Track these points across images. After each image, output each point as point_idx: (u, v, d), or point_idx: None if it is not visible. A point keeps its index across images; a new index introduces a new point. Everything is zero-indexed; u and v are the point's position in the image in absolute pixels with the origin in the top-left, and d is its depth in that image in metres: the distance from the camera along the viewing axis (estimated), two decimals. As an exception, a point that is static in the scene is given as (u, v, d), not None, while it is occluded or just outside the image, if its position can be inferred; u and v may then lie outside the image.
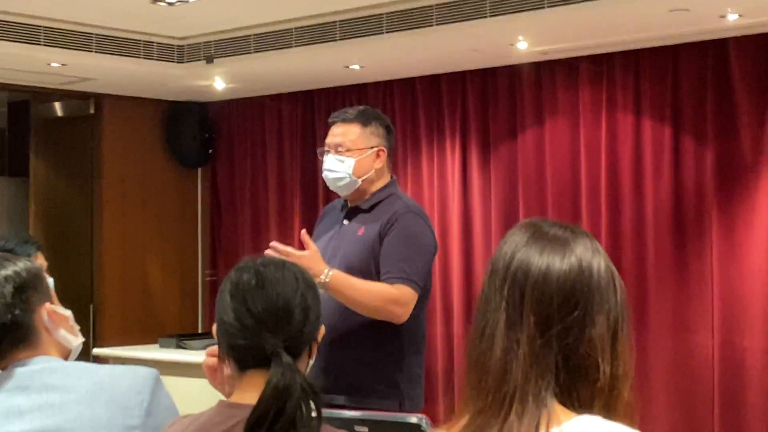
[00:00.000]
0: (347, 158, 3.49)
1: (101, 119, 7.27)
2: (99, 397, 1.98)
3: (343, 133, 3.54)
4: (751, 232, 5.35)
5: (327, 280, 3.26)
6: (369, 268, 3.40)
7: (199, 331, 7.55)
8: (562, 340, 1.49)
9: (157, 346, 6.07)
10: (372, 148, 3.53)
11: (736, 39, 5.35)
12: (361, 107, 3.64)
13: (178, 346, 5.91)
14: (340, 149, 3.52)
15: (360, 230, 3.48)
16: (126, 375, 2.04)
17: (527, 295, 1.51)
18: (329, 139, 3.58)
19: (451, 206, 6.40)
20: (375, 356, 3.40)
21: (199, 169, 7.79)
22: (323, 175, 3.58)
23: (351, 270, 3.41)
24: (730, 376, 5.37)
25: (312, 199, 7.10)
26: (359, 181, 3.52)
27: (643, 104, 5.72)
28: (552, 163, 6.01)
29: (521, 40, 5.50)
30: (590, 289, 1.53)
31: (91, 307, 7.12)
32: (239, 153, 7.55)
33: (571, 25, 5.19)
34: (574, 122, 5.94)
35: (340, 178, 3.51)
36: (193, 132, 7.51)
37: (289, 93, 7.18)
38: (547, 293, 1.51)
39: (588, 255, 1.55)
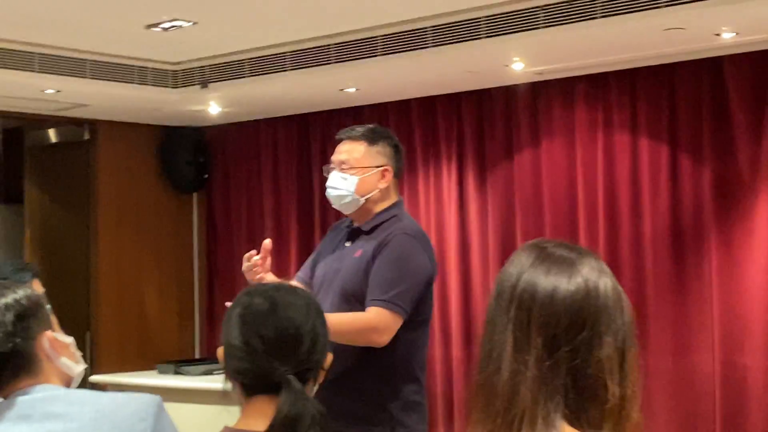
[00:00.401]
0: (351, 176, 3.44)
1: (96, 145, 7.25)
2: (102, 425, 1.95)
3: (348, 150, 3.49)
4: (750, 250, 5.34)
5: None
6: (362, 292, 3.34)
7: (197, 356, 7.52)
8: (570, 361, 1.48)
9: (155, 372, 6.04)
10: (378, 167, 3.47)
11: (731, 57, 5.36)
12: (371, 125, 3.58)
13: (177, 372, 5.88)
14: (344, 166, 3.47)
15: (358, 252, 3.42)
16: (129, 402, 2.02)
17: (534, 317, 1.51)
18: (335, 156, 3.53)
19: (448, 228, 6.38)
20: (366, 382, 3.32)
21: (195, 194, 7.77)
22: (326, 193, 3.54)
23: (345, 294, 3.36)
24: (732, 395, 5.35)
25: (308, 223, 7.08)
26: (362, 200, 3.45)
27: (640, 123, 5.72)
28: (549, 183, 6.00)
29: (516, 61, 5.50)
30: (597, 309, 1.52)
31: (88, 334, 7.08)
32: (235, 177, 7.54)
33: (566, 45, 5.19)
34: (571, 142, 5.94)
35: (343, 196, 3.46)
36: (188, 157, 7.50)
37: (285, 117, 7.17)
38: (555, 314, 1.50)
39: (594, 275, 1.55)
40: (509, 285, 1.54)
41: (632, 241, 5.70)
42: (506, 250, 6.14)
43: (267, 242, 3.41)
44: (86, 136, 7.29)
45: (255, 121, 7.31)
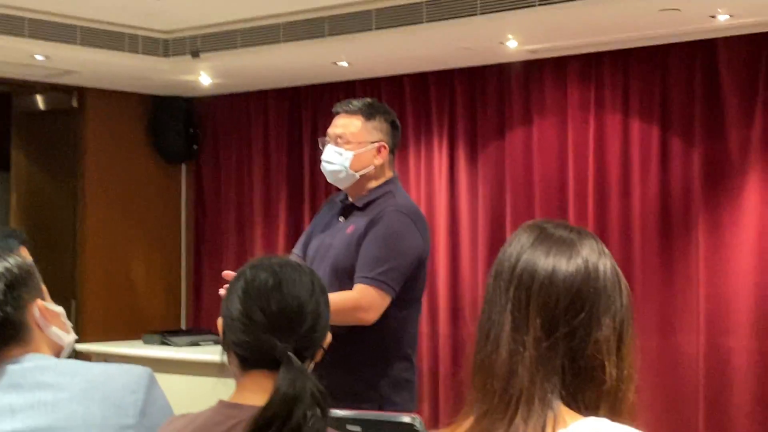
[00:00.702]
0: (346, 151, 3.41)
1: (84, 113, 7.20)
2: (92, 395, 1.94)
3: (344, 124, 3.45)
4: (738, 232, 5.35)
5: None
6: (352, 269, 3.31)
7: (182, 327, 7.51)
8: (568, 342, 1.48)
9: (140, 342, 6.03)
10: (373, 143, 3.44)
11: (725, 39, 5.35)
12: (368, 100, 3.53)
13: (163, 343, 5.87)
14: (339, 141, 3.43)
15: (350, 228, 3.39)
16: (120, 374, 2.00)
17: (533, 297, 1.50)
18: (331, 129, 3.49)
19: (438, 205, 6.37)
20: (355, 359, 3.29)
21: (183, 165, 7.73)
22: (321, 166, 3.50)
23: (336, 270, 3.33)
24: (716, 376, 5.37)
25: (298, 196, 7.06)
26: (357, 175, 3.42)
27: (632, 104, 5.71)
28: (540, 162, 6.00)
29: (511, 39, 5.48)
30: (596, 291, 1.51)
31: (74, 302, 7.05)
32: (224, 149, 7.50)
33: (561, 24, 5.17)
34: (562, 121, 5.93)
35: (337, 171, 3.43)
36: (178, 127, 7.45)
37: (276, 89, 7.14)
38: (554, 295, 1.50)
39: (594, 257, 1.54)
40: (508, 265, 1.53)
41: (621, 221, 5.71)
42: (495, 227, 6.15)
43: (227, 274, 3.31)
44: (75, 104, 7.23)
45: (246, 93, 7.27)
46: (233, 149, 7.45)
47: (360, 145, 3.42)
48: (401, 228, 3.34)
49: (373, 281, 3.24)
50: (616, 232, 5.71)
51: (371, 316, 3.24)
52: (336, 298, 3.17)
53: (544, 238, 1.55)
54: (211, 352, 5.63)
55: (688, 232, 5.52)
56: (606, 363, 1.49)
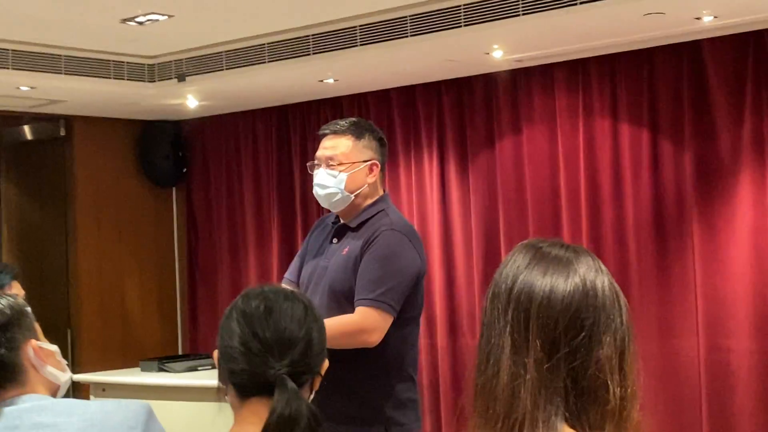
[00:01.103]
0: (340, 173, 3.36)
1: (72, 141, 7.18)
2: (90, 434, 1.91)
3: (334, 146, 3.39)
4: (732, 233, 5.34)
5: None
6: (351, 290, 3.28)
7: (179, 353, 7.47)
8: (569, 362, 1.46)
9: (138, 369, 5.99)
10: (365, 162, 3.39)
11: (711, 40, 5.35)
12: (353, 119, 3.48)
13: (160, 369, 5.82)
14: (331, 163, 3.37)
15: (345, 250, 3.35)
16: (117, 410, 1.98)
17: (532, 319, 1.48)
18: (320, 152, 3.42)
19: (431, 218, 6.36)
20: (358, 381, 3.26)
21: (174, 189, 7.71)
22: (314, 191, 3.44)
23: (334, 293, 3.30)
24: (717, 378, 5.35)
25: (290, 216, 7.04)
26: (352, 196, 3.37)
27: (620, 109, 5.70)
28: (530, 170, 5.98)
29: (496, 49, 5.47)
30: (596, 309, 1.50)
31: (69, 332, 7.02)
32: (214, 171, 7.48)
33: (545, 32, 5.16)
34: (552, 129, 5.92)
35: (333, 194, 3.37)
36: (167, 151, 7.44)
37: (263, 109, 7.13)
38: (553, 316, 1.48)
39: (591, 274, 1.53)
40: (505, 287, 1.52)
41: (615, 226, 5.70)
42: (489, 237, 6.13)
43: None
44: (62, 133, 7.21)
45: (233, 113, 7.26)
46: (223, 171, 7.44)
47: (353, 165, 3.37)
48: (397, 247, 3.30)
49: (374, 302, 3.21)
50: (611, 237, 5.70)
51: (375, 338, 3.22)
52: (338, 322, 3.15)
53: (540, 258, 1.54)
54: (210, 377, 5.59)
55: (683, 235, 5.51)
56: (609, 382, 1.47)
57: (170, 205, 7.70)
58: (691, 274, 5.47)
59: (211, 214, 7.53)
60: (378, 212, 3.39)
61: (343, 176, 3.36)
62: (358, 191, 3.39)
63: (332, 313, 3.24)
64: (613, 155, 5.73)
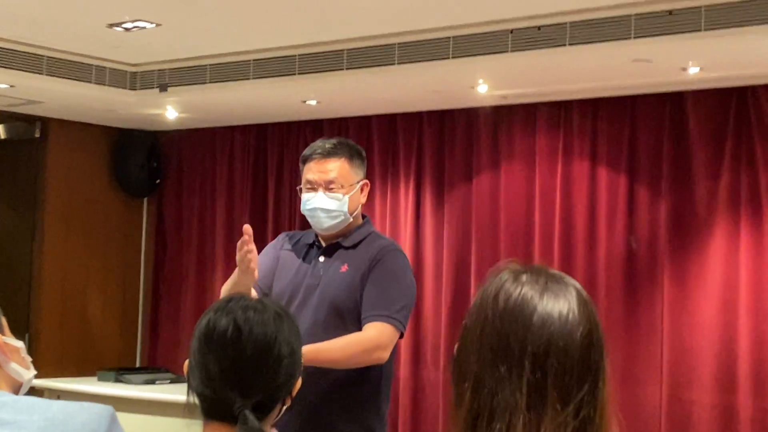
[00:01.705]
0: (342, 196, 3.33)
1: (47, 143, 7.10)
2: (51, 435, 1.85)
3: (333, 168, 3.35)
4: (703, 285, 5.35)
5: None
6: (356, 307, 3.27)
7: (137, 365, 7.37)
8: (580, 411, 1.39)
9: (95, 379, 5.90)
10: (358, 182, 3.39)
11: (694, 93, 5.38)
12: (336, 140, 3.44)
13: (117, 380, 5.75)
14: (332, 186, 3.33)
15: (343, 267, 3.33)
16: (80, 412, 1.91)
17: (551, 370, 1.39)
18: (317, 176, 3.35)
19: (403, 247, 6.28)
20: (353, 402, 3.26)
21: (145, 200, 7.64)
22: (312, 214, 3.34)
23: (337, 310, 3.28)
24: (677, 430, 5.34)
25: (261, 236, 6.97)
26: (351, 218, 3.37)
27: (600, 153, 5.72)
28: (506, 207, 5.98)
29: (482, 83, 5.47)
30: (599, 351, 1.44)
31: (27, 335, 6.91)
32: (187, 185, 7.42)
33: (533, 70, 5.17)
34: (530, 168, 5.92)
35: (336, 217, 3.33)
36: (141, 161, 7.37)
37: (242, 126, 7.08)
38: (569, 364, 1.40)
39: (594, 317, 1.47)
40: (516, 339, 1.41)
41: (586, 270, 5.69)
42: (460, 271, 6.11)
43: (247, 227, 3.25)
44: (37, 134, 7.12)
45: (212, 128, 7.21)
46: (197, 185, 7.37)
47: (351, 187, 3.36)
48: (405, 267, 3.36)
49: (390, 319, 3.21)
50: (581, 280, 5.61)
51: (386, 354, 3.23)
52: (356, 339, 3.17)
53: (537, 307, 1.43)
54: (168, 392, 5.52)
55: (653, 283, 5.51)
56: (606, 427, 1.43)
57: (140, 216, 7.62)
58: (659, 324, 5.47)
59: (181, 228, 7.45)
60: (370, 233, 3.41)
61: (345, 199, 3.34)
62: (355, 212, 3.39)
63: (335, 331, 3.22)
64: (590, 199, 5.73)
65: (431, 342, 6.21)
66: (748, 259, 5.21)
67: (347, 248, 3.36)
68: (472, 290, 6.04)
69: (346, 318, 3.27)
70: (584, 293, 1.50)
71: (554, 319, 1.42)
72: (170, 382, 5.87)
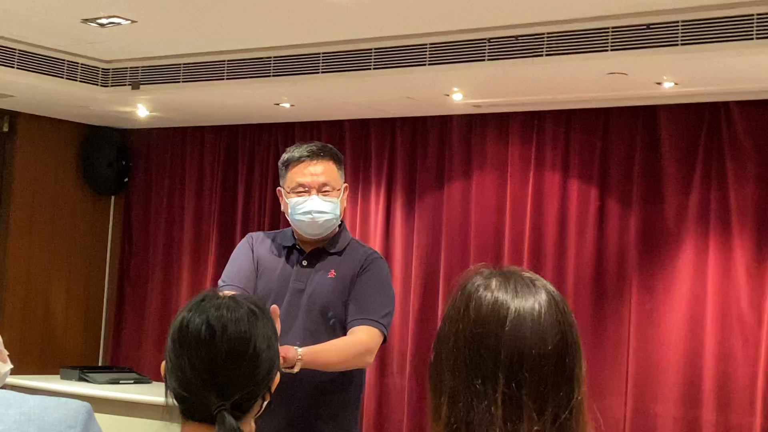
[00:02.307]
0: (335, 198, 3.32)
1: (14, 138, 7.02)
2: (27, 429, 1.83)
3: (325, 171, 3.32)
4: (670, 299, 5.38)
5: (300, 358, 3.04)
6: (345, 312, 3.28)
7: (99, 364, 7.30)
8: (557, 418, 1.38)
9: (57, 377, 5.84)
10: (343, 186, 3.40)
11: (667, 107, 5.42)
12: (318, 143, 3.42)
13: (81, 379, 5.69)
14: (326, 189, 3.30)
15: (330, 273, 3.32)
16: (57, 407, 1.90)
17: (525, 380, 1.37)
18: (310, 179, 3.30)
19: (372, 253, 6.31)
20: (337, 405, 3.28)
21: (113, 197, 7.57)
22: (305, 218, 3.29)
23: (326, 315, 3.29)
24: (641, 442, 5.37)
25: (229, 237, 6.94)
26: (340, 220, 3.38)
27: (572, 164, 5.74)
28: (477, 216, 5.99)
29: (456, 91, 5.48)
30: (573, 355, 1.43)
31: (-12, 332, 6.81)
32: (156, 184, 7.36)
33: (508, 80, 5.18)
34: (502, 177, 5.93)
35: (329, 220, 3.30)
36: (110, 158, 7.30)
37: (213, 126, 7.05)
38: (545, 371, 1.38)
39: (567, 318, 1.46)
40: (489, 352, 1.39)
41: (554, 280, 5.69)
42: (428, 279, 6.11)
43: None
44: (5, 128, 7.04)
45: (182, 128, 7.17)
46: (165, 184, 7.32)
47: (340, 191, 3.36)
48: (389, 276, 3.41)
49: (377, 324, 3.24)
50: (550, 291, 5.69)
51: (372, 359, 3.29)
52: (347, 344, 3.20)
53: (514, 315, 1.41)
54: (132, 392, 5.47)
55: (621, 296, 5.54)
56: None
57: (107, 214, 7.56)
58: (625, 336, 5.49)
59: (148, 227, 7.40)
60: (351, 239, 3.43)
61: (337, 201, 3.33)
62: (341, 215, 3.40)
63: (325, 335, 3.22)
64: (560, 210, 5.75)
65: (398, 349, 6.20)
66: (715, 274, 5.25)
67: (332, 254, 3.35)
68: (441, 298, 6.04)
69: (336, 325, 3.29)
70: (556, 295, 1.46)
71: (526, 328, 1.39)
72: (134, 382, 5.82)
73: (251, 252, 3.43)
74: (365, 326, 3.22)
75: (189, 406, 1.77)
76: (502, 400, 1.36)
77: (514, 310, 1.41)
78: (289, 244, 3.40)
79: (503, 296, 1.42)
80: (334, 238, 3.37)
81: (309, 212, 3.28)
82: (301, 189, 3.31)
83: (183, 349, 1.77)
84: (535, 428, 1.36)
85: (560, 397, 1.38)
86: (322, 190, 3.30)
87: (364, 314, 3.24)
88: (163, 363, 1.83)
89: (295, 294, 3.30)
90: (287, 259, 3.38)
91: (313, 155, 3.33)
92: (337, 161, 3.39)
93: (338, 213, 3.33)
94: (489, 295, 1.42)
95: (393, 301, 3.35)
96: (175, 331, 1.80)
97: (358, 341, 3.21)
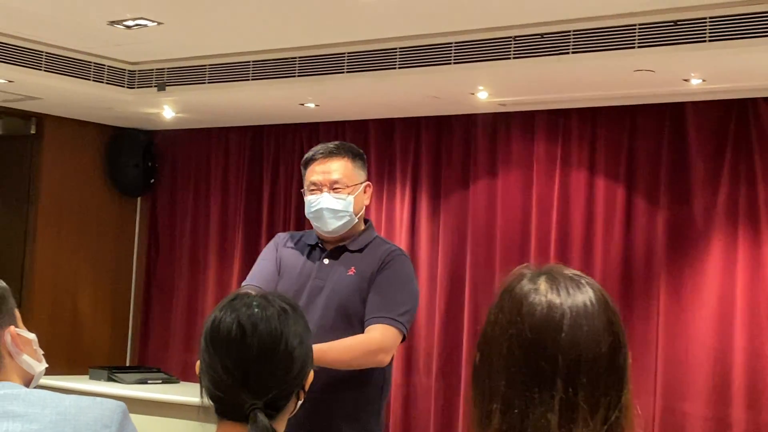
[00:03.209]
0: (347, 196, 3.31)
1: (42, 140, 7.06)
2: (63, 428, 1.83)
3: (337, 169, 3.33)
4: (698, 297, 5.35)
5: None
6: (363, 311, 3.25)
7: (127, 364, 7.34)
8: (608, 419, 1.37)
9: (86, 377, 5.86)
10: (361, 183, 3.37)
11: (694, 104, 5.38)
12: (337, 142, 3.44)
13: (110, 379, 5.72)
14: (337, 186, 3.31)
15: (350, 270, 3.31)
16: (92, 407, 1.90)
17: (581, 388, 1.35)
18: (321, 177, 3.33)
19: (398, 252, 6.30)
20: (355, 403, 3.26)
21: (139, 199, 7.60)
22: (317, 215, 3.31)
23: (345, 313, 3.27)
24: (670, 441, 5.34)
25: (255, 237, 6.96)
26: (356, 219, 3.34)
27: (598, 162, 5.71)
28: (503, 215, 5.97)
29: (482, 90, 5.47)
30: (624, 353, 1.42)
31: (17, 333, 6.85)
32: (182, 185, 7.39)
33: (534, 78, 5.17)
34: (528, 175, 5.91)
35: (342, 217, 3.30)
36: (136, 160, 7.34)
37: (239, 127, 7.06)
38: (598, 375, 1.37)
39: (616, 317, 1.43)
40: (545, 357, 1.37)
41: (582, 279, 5.67)
42: (454, 278, 6.09)
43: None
44: (32, 131, 7.09)
45: (207, 129, 7.19)
46: (191, 186, 7.35)
47: (355, 187, 3.34)
48: (411, 273, 3.36)
49: (394, 322, 3.21)
50: (577, 289, 5.67)
51: (388, 358, 3.24)
52: (360, 341, 3.17)
53: (561, 311, 1.40)
54: (160, 391, 5.49)
55: (649, 294, 5.51)
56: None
57: (134, 215, 7.59)
58: (654, 335, 5.46)
59: (174, 228, 7.42)
60: (374, 238, 3.40)
61: (351, 199, 3.32)
62: (359, 213, 3.36)
63: (341, 333, 3.21)
64: (587, 208, 5.72)
65: (424, 349, 6.19)
66: (744, 272, 5.22)
67: (353, 252, 3.34)
68: (467, 297, 6.03)
69: (354, 321, 3.27)
70: (603, 292, 1.45)
71: (582, 332, 1.38)
72: (162, 382, 5.84)
73: (275, 252, 3.45)
74: (380, 324, 3.20)
75: (223, 405, 1.77)
76: (559, 407, 1.35)
77: (568, 314, 1.39)
78: (313, 243, 3.41)
79: (555, 299, 1.40)
80: (355, 236, 3.36)
81: (319, 209, 3.31)
82: (314, 188, 3.34)
83: (215, 349, 1.78)
84: (588, 430, 1.35)
85: (611, 396, 1.37)
86: (333, 187, 3.31)
87: (380, 312, 3.21)
88: (198, 362, 1.84)
89: (315, 290, 3.30)
90: (309, 256, 3.39)
91: (327, 154, 3.35)
92: (354, 158, 3.37)
93: (350, 210, 3.30)
94: (541, 299, 1.40)
95: (414, 298, 3.31)
96: (207, 330, 1.81)
97: (371, 339, 3.19)
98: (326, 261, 3.36)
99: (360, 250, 3.34)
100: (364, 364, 3.20)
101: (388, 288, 3.25)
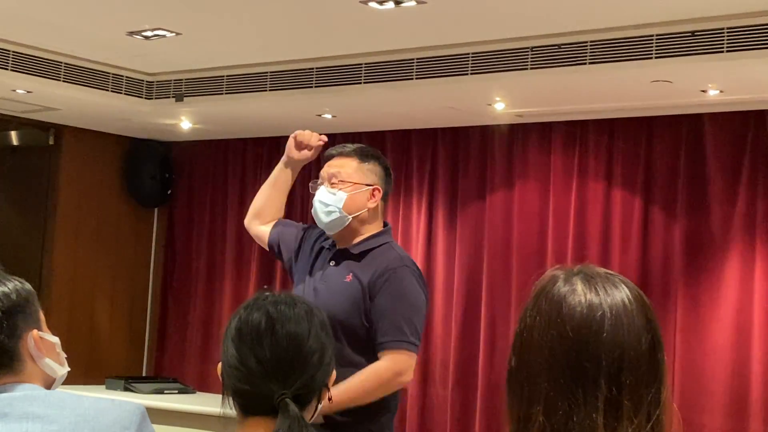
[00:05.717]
0: (339, 191, 3.26)
1: (60, 151, 7.10)
2: (82, 429, 1.84)
3: (339, 164, 3.32)
4: (716, 309, 5.33)
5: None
6: (353, 320, 3.20)
7: (143, 374, 7.35)
8: (650, 415, 1.35)
9: (102, 387, 5.87)
10: (368, 185, 3.31)
11: (712, 115, 5.37)
12: (362, 144, 3.44)
13: (126, 389, 5.72)
14: (333, 180, 3.29)
15: (347, 276, 3.25)
16: (111, 409, 1.91)
17: (625, 386, 1.35)
18: (324, 170, 3.35)
19: (415, 263, 6.30)
20: (359, 411, 3.18)
21: (156, 210, 7.63)
22: (312, 210, 3.32)
23: (333, 320, 3.22)
24: (688, 453, 5.31)
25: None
26: (350, 218, 3.27)
27: (615, 174, 5.71)
28: (519, 226, 5.96)
29: (498, 101, 5.48)
30: (662, 348, 1.40)
31: (34, 343, 6.88)
32: (199, 196, 7.41)
33: (551, 89, 5.17)
34: (545, 187, 5.91)
35: (330, 212, 3.26)
36: (153, 171, 7.37)
37: (255, 138, 7.08)
38: (641, 372, 1.36)
39: (652, 313, 1.44)
40: (588, 358, 1.36)
41: (599, 291, 5.66)
42: (471, 289, 6.09)
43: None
44: (50, 141, 7.13)
45: (225, 140, 7.21)
46: (208, 197, 7.37)
47: (355, 186, 3.29)
48: (415, 285, 3.27)
49: (404, 344, 3.19)
50: (594, 301, 5.66)
51: (408, 377, 3.23)
52: (372, 376, 3.14)
53: (602, 311, 1.39)
54: (176, 401, 5.49)
55: (666, 306, 5.49)
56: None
57: (151, 226, 7.62)
58: (671, 347, 5.44)
59: (191, 239, 7.44)
60: (382, 244, 3.31)
61: (343, 195, 3.26)
62: (357, 214, 3.28)
63: None
64: (604, 219, 5.72)
65: (440, 359, 6.18)
66: (762, 283, 5.20)
67: (354, 256, 3.29)
68: (483, 308, 6.03)
69: (338, 331, 3.08)
70: (639, 290, 1.44)
71: (623, 331, 1.37)
72: (178, 392, 5.84)
73: (303, 232, 3.46)
74: (389, 352, 3.17)
75: (249, 400, 1.79)
76: (604, 406, 1.34)
77: (608, 313, 1.38)
78: (328, 245, 3.38)
79: (594, 299, 1.39)
80: (363, 240, 3.30)
81: (315, 202, 3.31)
82: (318, 182, 3.35)
83: (244, 343, 1.80)
84: (632, 428, 1.34)
85: (652, 393, 1.37)
86: (330, 181, 3.30)
87: (387, 336, 3.17)
88: (219, 365, 1.85)
89: (311, 292, 3.26)
90: (319, 255, 3.37)
91: (338, 153, 3.35)
92: (364, 158, 3.33)
93: (339, 206, 3.25)
94: (580, 299, 1.39)
95: (418, 310, 3.24)
96: (232, 328, 1.84)
97: (381, 369, 3.16)
98: (331, 263, 3.33)
99: (361, 255, 3.28)
100: (382, 394, 3.17)
101: (389, 310, 3.19)
